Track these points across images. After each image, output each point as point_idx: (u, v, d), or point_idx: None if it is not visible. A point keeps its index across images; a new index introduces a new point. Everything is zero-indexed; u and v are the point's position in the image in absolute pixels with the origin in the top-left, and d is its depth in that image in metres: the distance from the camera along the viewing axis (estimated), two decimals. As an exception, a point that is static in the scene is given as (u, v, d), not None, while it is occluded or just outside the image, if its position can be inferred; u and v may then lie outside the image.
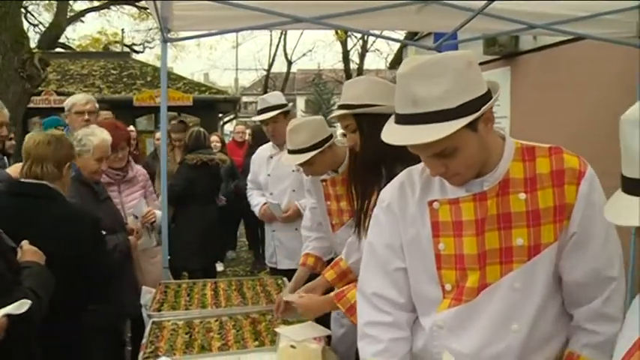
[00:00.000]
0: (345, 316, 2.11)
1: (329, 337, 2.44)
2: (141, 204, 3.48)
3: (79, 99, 3.98)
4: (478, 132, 1.34)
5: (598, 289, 1.42)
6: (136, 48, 22.39)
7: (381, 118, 2.08)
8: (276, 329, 2.33)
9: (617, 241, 1.44)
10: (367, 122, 2.10)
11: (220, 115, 16.03)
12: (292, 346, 2.11)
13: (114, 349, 3.14)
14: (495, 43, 6.02)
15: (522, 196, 1.41)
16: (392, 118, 1.40)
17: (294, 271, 2.96)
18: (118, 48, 21.80)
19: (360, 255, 2.30)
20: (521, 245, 1.40)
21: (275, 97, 3.89)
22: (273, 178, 3.96)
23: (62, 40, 18.69)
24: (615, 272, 1.43)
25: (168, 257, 3.69)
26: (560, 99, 5.02)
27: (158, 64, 21.15)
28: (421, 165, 1.54)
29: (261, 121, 3.87)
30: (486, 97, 1.33)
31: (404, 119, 1.33)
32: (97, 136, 3.06)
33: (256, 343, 2.36)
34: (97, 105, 4.07)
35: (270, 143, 3.98)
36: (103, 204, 3.13)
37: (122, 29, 22.28)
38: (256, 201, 4.16)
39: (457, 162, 1.36)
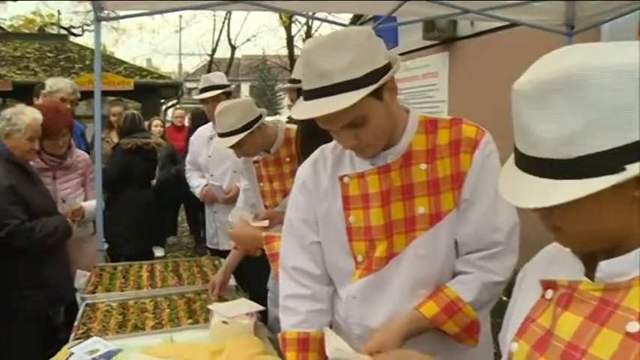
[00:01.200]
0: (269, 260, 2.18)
1: (263, 313, 2.47)
2: (72, 197, 3.40)
3: (67, 87, 3.93)
4: (384, 101, 1.38)
5: (480, 248, 1.47)
6: (74, 31, 21.63)
7: None
8: (209, 306, 2.34)
9: (511, 210, 1.48)
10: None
11: (162, 100, 15.71)
12: (224, 322, 2.12)
13: (47, 337, 3.07)
14: (434, 29, 6.15)
15: (423, 166, 1.46)
16: (302, 97, 1.42)
17: None
18: (54, 30, 20.98)
19: None
20: (423, 213, 1.46)
21: (218, 77, 3.87)
22: (213, 159, 3.94)
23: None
24: (501, 237, 1.47)
25: (106, 245, 3.63)
26: (494, 83, 5.19)
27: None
28: (333, 142, 1.59)
29: (202, 101, 3.84)
30: (388, 67, 1.37)
31: (312, 94, 1.35)
32: (28, 115, 2.96)
33: (190, 321, 2.37)
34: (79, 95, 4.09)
35: (211, 124, 3.95)
36: (37, 186, 3.06)
37: (58, 10, 21.41)
38: (197, 182, 4.14)
39: (367, 132, 1.39)
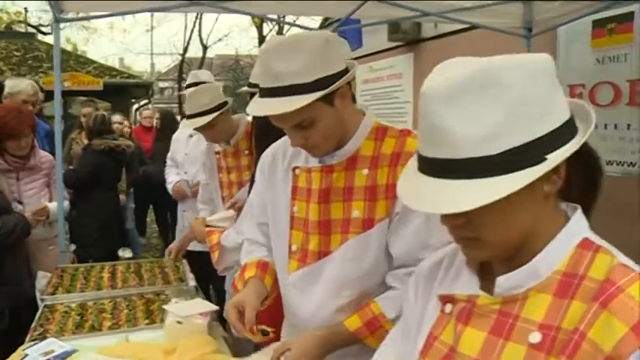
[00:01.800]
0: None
1: (218, 313, 2.51)
2: (35, 197, 3.40)
3: (27, 89, 3.93)
4: (334, 106, 1.44)
5: (409, 264, 1.48)
6: (42, 29, 21.26)
7: None
8: (164, 306, 2.36)
9: (442, 228, 1.56)
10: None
11: (133, 100, 15.59)
12: (178, 322, 2.14)
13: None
14: (399, 30, 6.23)
15: (365, 171, 1.52)
16: (258, 94, 1.49)
17: (204, 253, 2.96)
18: (22, 28, 20.60)
19: None
20: (357, 217, 1.51)
21: (206, 75, 3.99)
22: (189, 158, 4.04)
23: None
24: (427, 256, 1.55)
25: (73, 246, 3.62)
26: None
27: (68, 46, 20.35)
28: None
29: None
30: (343, 73, 1.42)
31: (265, 92, 1.42)
32: None
33: (147, 321, 2.39)
34: (41, 94, 4.09)
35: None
36: None
37: (25, 8, 21.01)
38: (171, 178, 4.26)
39: (315, 134, 1.45)
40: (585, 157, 0.92)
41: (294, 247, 1.63)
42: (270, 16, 4.09)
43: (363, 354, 1.43)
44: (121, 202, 6.09)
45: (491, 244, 0.89)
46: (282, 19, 4.78)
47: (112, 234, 5.17)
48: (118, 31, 43.50)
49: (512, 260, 0.90)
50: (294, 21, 4.76)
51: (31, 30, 19.67)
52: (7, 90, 4.04)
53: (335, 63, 1.41)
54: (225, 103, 2.76)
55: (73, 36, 23.30)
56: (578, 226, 0.91)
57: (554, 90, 0.85)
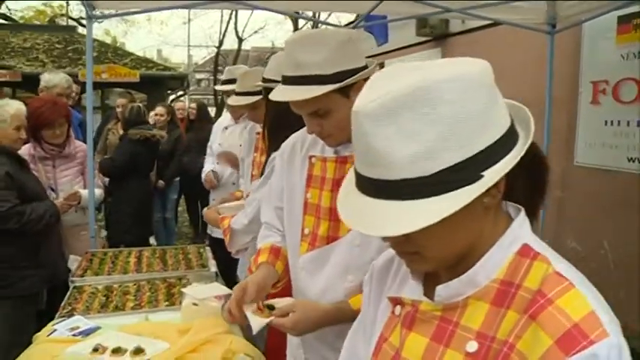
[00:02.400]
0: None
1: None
2: (67, 183, 3.58)
3: (62, 82, 4.17)
4: (350, 99, 1.52)
5: None
6: (83, 22, 21.80)
7: None
8: (183, 289, 2.50)
9: None
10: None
11: (169, 91, 15.91)
12: (194, 304, 2.28)
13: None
14: (426, 25, 6.26)
15: None
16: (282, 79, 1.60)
17: None
18: (64, 21, 21.18)
19: None
20: None
21: (242, 70, 4.10)
22: (222, 149, 4.16)
23: (3, 10, 18.11)
24: None
25: (104, 232, 3.81)
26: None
27: (107, 39, 20.85)
28: None
29: (224, 92, 4.05)
30: (361, 69, 1.52)
31: (287, 80, 1.53)
32: (12, 106, 3.15)
33: (167, 303, 2.53)
34: (76, 86, 4.29)
35: (229, 115, 4.17)
36: (29, 173, 3.26)
37: (67, 1, 21.57)
38: (206, 167, 4.41)
39: (330, 123, 1.56)
40: (530, 157, 0.89)
41: (306, 231, 1.73)
42: (294, 12, 4.17)
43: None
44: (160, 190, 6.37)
45: (432, 259, 0.88)
46: (317, 16, 4.86)
47: (146, 221, 5.40)
48: (156, 23, 44.16)
49: (456, 268, 0.90)
50: (327, 17, 4.84)
51: (72, 23, 20.18)
52: (42, 84, 4.25)
53: (355, 59, 1.52)
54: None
55: (112, 29, 23.80)
56: (518, 231, 0.89)
57: (492, 102, 0.82)
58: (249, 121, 3.29)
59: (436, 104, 0.77)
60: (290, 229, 1.83)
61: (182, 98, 15.68)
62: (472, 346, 0.84)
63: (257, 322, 1.57)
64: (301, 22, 22.99)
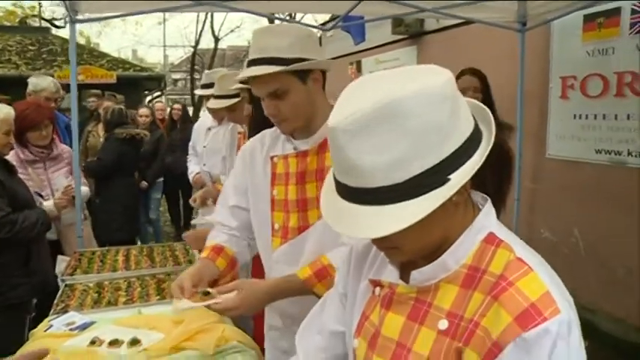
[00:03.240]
0: None
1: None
2: (60, 178, 3.63)
3: (50, 86, 4.23)
4: (307, 85, 1.69)
5: None
6: (56, 23, 21.58)
7: None
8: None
9: None
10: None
11: (146, 92, 15.82)
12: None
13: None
14: (402, 24, 6.40)
15: None
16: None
17: None
18: (36, 22, 20.92)
19: None
20: None
21: (219, 74, 4.20)
22: (208, 150, 4.25)
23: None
24: None
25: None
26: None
27: (82, 40, 20.63)
28: (273, 128, 1.91)
29: (203, 96, 4.14)
30: (314, 61, 1.67)
31: (251, 62, 1.67)
32: (1, 110, 3.11)
33: (158, 297, 2.62)
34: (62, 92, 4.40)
35: (210, 116, 4.25)
36: (18, 179, 3.25)
37: (39, 2, 21.31)
38: (191, 168, 4.49)
39: (286, 106, 1.69)
40: (499, 152, 1.06)
41: (276, 226, 1.85)
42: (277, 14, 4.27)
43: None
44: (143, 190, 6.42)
45: (409, 252, 0.98)
46: (293, 16, 4.97)
47: (133, 220, 5.53)
48: (131, 23, 43.77)
49: (430, 256, 1.00)
50: (302, 18, 4.95)
51: (45, 24, 19.94)
52: (30, 88, 4.29)
53: (313, 52, 1.68)
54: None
55: (85, 29, 23.58)
56: (484, 220, 1.00)
57: (455, 111, 0.90)
58: (230, 122, 3.40)
59: (404, 119, 0.86)
60: (260, 227, 1.94)
61: (160, 99, 15.61)
62: (443, 324, 0.95)
63: (180, 304, 1.70)
64: (277, 21, 23.04)
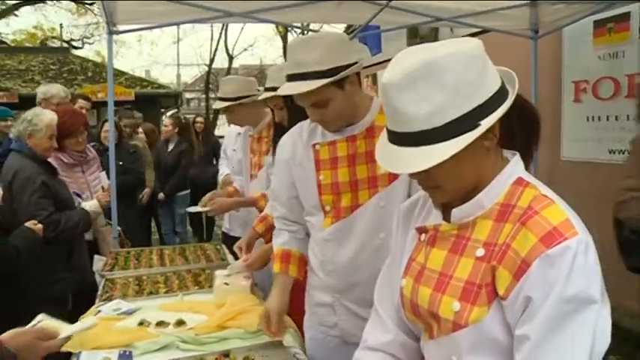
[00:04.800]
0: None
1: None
2: (103, 176, 3.83)
3: (59, 92, 4.39)
4: (345, 90, 1.82)
5: None
6: (74, 44, 22.07)
7: None
8: (215, 272, 2.73)
9: None
10: (293, 101, 2.60)
11: (162, 110, 16.11)
12: (226, 284, 2.53)
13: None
14: (417, 36, 6.58)
15: None
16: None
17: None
18: (55, 43, 21.42)
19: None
20: (383, 174, 1.88)
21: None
22: (236, 154, 4.41)
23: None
24: None
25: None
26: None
27: (98, 59, 21.04)
28: (309, 120, 2.05)
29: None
30: (352, 65, 1.81)
31: (290, 77, 1.81)
32: (46, 115, 3.30)
33: (196, 287, 2.77)
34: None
35: None
36: (60, 180, 3.42)
37: (60, 24, 21.86)
38: (222, 170, 4.66)
39: (329, 112, 1.84)
40: (523, 110, 1.21)
41: (327, 208, 1.96)
42: (295, 24, 4.47)
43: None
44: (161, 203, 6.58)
45: (449, 190, 1.15)
46: (306, 26, 5.11)
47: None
48: (146, 43, 44.58)
49: (467, 198, 1.16)
50: (319, 29, 5.11)
51: (65, 45, 20.41)
52: (40, 96, 4.43)
53: (347, 56, 1.81)
54: (248, 97, 3.22)
55: (103, 49, 24.09)
56: (514, 168, 1.17)
57: (484, 70, 1.08)
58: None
59: (441, 74, 1.04)
60: (309, 210, 2.06)
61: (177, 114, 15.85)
62: (480, 252, 1.12)
63: None
64: (290, 39, 23.37)
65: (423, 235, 1.27)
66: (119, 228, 4.01)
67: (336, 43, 1.80)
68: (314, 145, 1.99)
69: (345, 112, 1.88)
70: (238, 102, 3.18)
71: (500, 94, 1.10)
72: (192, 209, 3.72)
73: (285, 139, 2.13)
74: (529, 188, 1.13)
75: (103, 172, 3.86)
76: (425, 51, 1.10)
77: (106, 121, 5.59)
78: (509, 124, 1.16)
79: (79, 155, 3.77)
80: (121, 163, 5.47)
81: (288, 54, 1.85)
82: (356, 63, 1.82)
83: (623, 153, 4.23)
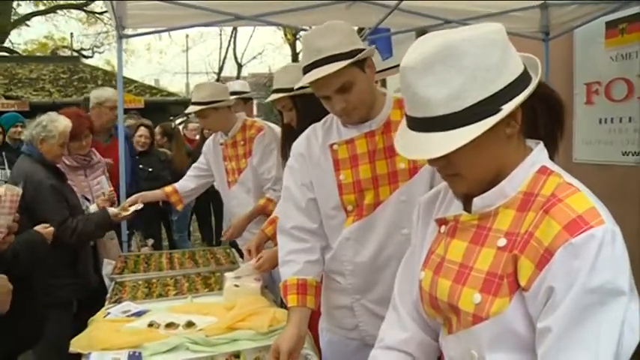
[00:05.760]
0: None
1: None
2: (104, 181, 3.80)
3: (113, 96, 4.36)
4: (366, 73, 1.81)
5: None
6: (84, 53, 22.28)
7: (312, 97, 2.62)
8: (225, 273, 2.71)
9: None
10: (302, 101, 2.59)
11: (171, 117, 16.18)
12: (236, 285, 2.51)
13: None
14: (426, 40, 6.55)
15: None
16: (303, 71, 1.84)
17: None
18: (66, 52, 21.61)
19: None
20: (404, 168, 1.85)
21: (239, 85, 4.47)
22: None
23: (6, 44, 18.52)
24: None
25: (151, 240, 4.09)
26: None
27: (108, 68, 21.23)
28: (322, 121, 2.03)
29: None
30: (368, 49, 1.80)
31: (310, 66, 1.77)
32: (61, 122, 3.27)
33: (206, 290, 2.75)
34: None
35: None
36: (67, 184, 3.39)
37: (71, 33, 22.07)
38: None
39: (354, 96, 1.79)
40: (547, 98, 1.18)
41: (349, 207, 1.91)
42: (305, 27, 4.47)
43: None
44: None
45: (469, 179, 1.12)
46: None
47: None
48: (155, 52, 44.88)
49: (489, 188, 1.13)
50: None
51: (75, 54, 20.59)
52: (94, 101, 4.39)
53: (360, 42, 1.81)
54: (222, 101, 3.28)
55: (112, 58, 24.34)
56: (538, 157, 1.13)
57: (505, 54, 1.06)
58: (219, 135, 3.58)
59: (459, 58, 1.02)
60: (327, 214, 1.98)
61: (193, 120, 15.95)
62: (502, 242, 1.08)
63: None
64: (299, 46, 23.45)
65: (443, 226, 1.24)
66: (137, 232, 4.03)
67: (350, 30, 1.82)
68: (331, 146, 1.95)
69: (368, 98, 1.85)
70: (212, 106, 3.24)
71: (523, 80, 1.07)
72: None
73: (300, 142, 2.07)
74: (553, 176, 1.09)
75: (103, 177, 3.83)
76: (444, 35, 1.08)
77: (142, 125, 5.68)
78: (532, 112, 1.14)
79: (83, 159, 3.72)
80: (150, 169, 5.54)
81: (304, 44, 1.83)
82: (368, 50, 1.82)
83: (637, 155, 4.18)
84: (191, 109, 3.30)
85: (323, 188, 1.98)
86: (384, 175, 1.87)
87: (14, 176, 3.21)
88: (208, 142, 3.98)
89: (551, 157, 1.17)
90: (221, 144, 3.44)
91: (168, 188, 3.67)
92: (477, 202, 1.15)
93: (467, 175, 1.12)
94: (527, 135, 1.17)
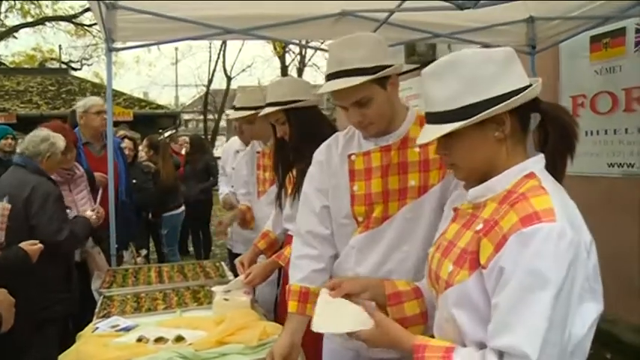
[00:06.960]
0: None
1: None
2: (86, 207, 3.76)
3: (97, 101, 4.33)
4: (387, 90, 1.80)
5: None
6: (73, 65, 22.21)
7: (305, 111, 2.60)
8: (212, 288, 2.71)
9: None
10: (295, 115, 2.58)
11: (160, 130, 16.15)
12: (225, 299, 2.50)
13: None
14: (415, 53, 6.63)
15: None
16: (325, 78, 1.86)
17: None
18: (54, 64, 21.55)
19: (283, 227, 2.84)
20: (414, 186, 1.85)
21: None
22: (235, 172, 4.38)
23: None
24: None
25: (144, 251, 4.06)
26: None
27: (97, 80, 21.21)
28: (345, 130, 2.04)
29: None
30: (393, 67, 1.79)
31: (332, 76, 1.79)
32: (61, 139, 3.33)
33: (195, 304, 2.74)
34: None
35: (237, 138, 4.38)
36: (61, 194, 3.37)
37: (59, 45, 22.01)
38: (221, 189, 4.60)
39: (371, 112, 1.80)
40: (561, 122, 1.34)
41: (359, 219, 1.92)
42: (294, 40, 4.50)
43: None
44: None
45: (462, 169, 1.40)
46: (305, 43, 5.16)
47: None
48: (144, 64, 44.89)
49: (484, 179, 1.38)
50: (320, 45, 5.15)
51: (63, 66, 20.53)
52: (80, 110, 4.33)
53: (387, 58, 1.80)
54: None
55: (101, 71, 24.28)
56: (531, 164, 1.33)
57: (505, 69, 1.30)
58: (256, 144, 3.53)
59: (461, 68, 1.30)
60: (339, 223, 2.00)
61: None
62: (479, 227, 1.31)
63: None
64: (288, 59, 23.55)
65: (453, 213, 1.50)
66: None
67: (378, 43, 1.80)
68: (349, 156, 1.96)
69: (387, 114, 1.85)
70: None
71: (520, 93, 1.28)
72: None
73: (321, 149, 2.09)
74: (533, 180, 1.28)
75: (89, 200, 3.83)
76: (460, 51, 1.34)
77: (125, 137, 5.67)
78: (543, 131, 1.36)
79: (67, 173, 3.68)
80: (134, 181, 5.50)
81: (330, 54, 1.82)
82: (395, 65, 1.81)
83: (622, 166, 4.24)
84: (238, 114, 3.23)
85: (337, 197, 2.00)
86: (394, 190, 1.88)
87: (14, 186, 3.13)
88: (232, 150, 3.98)
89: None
90: (258, 152, 3.40)
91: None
92: (471, 192, 1.40)
93: (460, 166, 1.39)
94: (538, 149, 1.37)
